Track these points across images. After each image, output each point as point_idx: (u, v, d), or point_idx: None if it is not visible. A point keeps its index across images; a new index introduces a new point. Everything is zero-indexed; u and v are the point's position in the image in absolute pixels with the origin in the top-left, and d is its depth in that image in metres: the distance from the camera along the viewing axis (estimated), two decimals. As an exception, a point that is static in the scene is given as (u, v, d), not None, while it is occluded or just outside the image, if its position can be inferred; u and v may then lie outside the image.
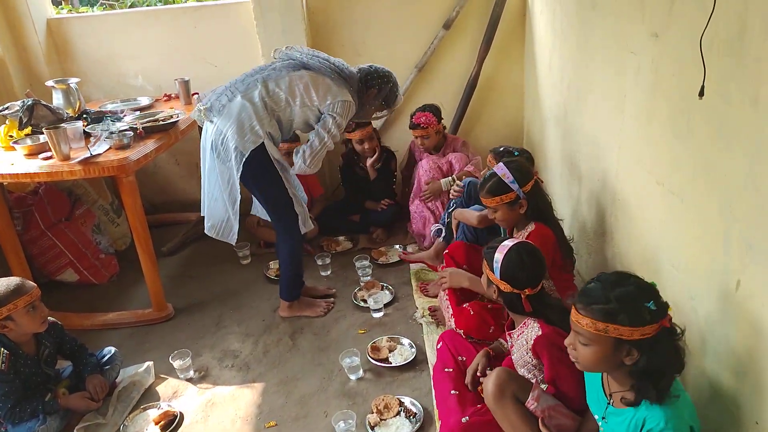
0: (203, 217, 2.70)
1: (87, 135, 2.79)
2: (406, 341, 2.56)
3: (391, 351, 2.51)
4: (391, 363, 2.45)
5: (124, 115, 3.11)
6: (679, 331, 1.42)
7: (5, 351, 2.14)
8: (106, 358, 2.46)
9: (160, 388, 2.47)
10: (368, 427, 2.10)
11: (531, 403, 1.70)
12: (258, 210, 2.84)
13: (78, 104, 3.13)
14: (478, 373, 2.02)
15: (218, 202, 2.56)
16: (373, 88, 2.64)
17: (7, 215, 2.78)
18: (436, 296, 2.76)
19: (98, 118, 3.02)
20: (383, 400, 2.21)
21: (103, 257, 3.35)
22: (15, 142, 2.74)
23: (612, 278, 1.46)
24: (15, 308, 2.09)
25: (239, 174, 2.43)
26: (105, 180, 3.57)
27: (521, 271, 1.83)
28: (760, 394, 1.46)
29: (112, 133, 2.69)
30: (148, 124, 2.87)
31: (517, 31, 3.71)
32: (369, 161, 3.49)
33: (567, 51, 2.83)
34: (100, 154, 2.57)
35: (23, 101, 2.88)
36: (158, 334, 2.84)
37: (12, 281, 2.15)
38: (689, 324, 1.75)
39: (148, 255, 2.80)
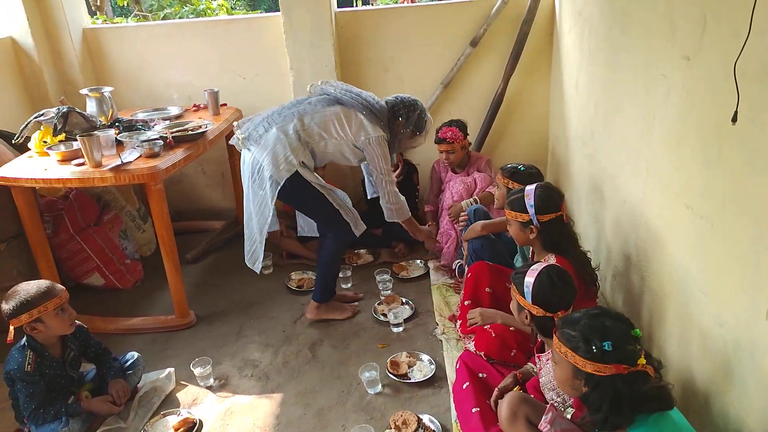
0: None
1: (119, 143, 2.85)
2: (425, 357, 2.55)
3: (410, 366, 2.51)
4: (410, 379, 2.44)
5: (155, 125, 3.18)
6: (655, 380, 1.47)
7: (32, 353, 2.19)
8: (129, 362, 2.49)
9: (181, 395, 2.49)
10: (386, 443, 2.10)
11: (544, 426, 1.69)
12: (305, 230, 3.04)
13: (110, 112, 3.21)
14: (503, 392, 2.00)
15: (249, 228, 2.69)
16: (401, 118, 2.75)
17: (38, 219, 2.84)
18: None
19: (130, 126, 3.09)
20: (401, 416, 2.21)
21: (128, 262, 3.41)
22: (49, 148, 2.81)
23: (594, 312, 1.57)
24: (45, 310, 2.14)
25: (273, 200, 2.55)
26: (133, 186, 3.64)
27: (553, 294, 1.82)
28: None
29: (143, 141, 2.75)
30: (177, 134, 2.93)
31: (544, 49, 3.71)
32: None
33: (595, 71, 2.82)
34: (131, 162, 2.63)
35: (58, 108, 2.95)
36: (180, 341, 2.87)
37: (42, 284, 2.20)
38: (716, 352, 1.72)
39: (173, 262, 2.84)
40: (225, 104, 3.67)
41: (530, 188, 2.25)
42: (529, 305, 1.85)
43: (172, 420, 2.31)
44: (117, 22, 5.03)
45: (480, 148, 3.85)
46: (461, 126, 3.34)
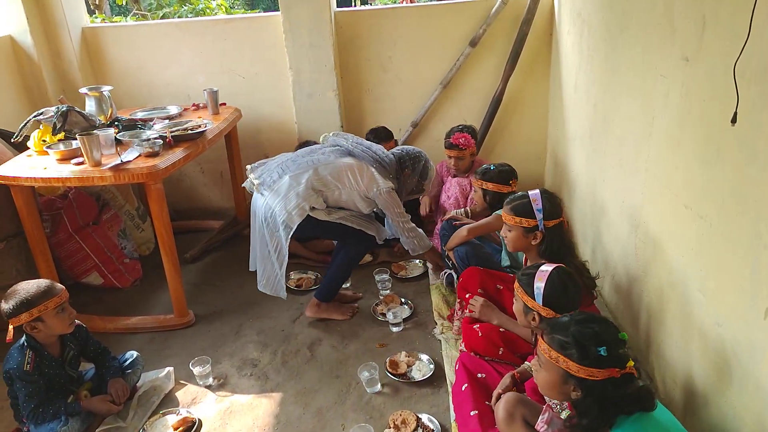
0: (247, 230, 2.99)
1: (118, 142, 2.85)
2: (424, 357, 2.55)
3: (409, 366, 2.51)
4: (409, 378, 2.45)
5: (154, 124, 3.17)
6: (639, 384, 1.50)
7: (31, 352, 2.18)
8: (128, 362, 2.49)
9: (180, 394, 2.49)
10: (385, 442, 2.10)
11: (541, 426, 1.69)
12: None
13: (110, 111, 3.20)
14: (501, 392, 2.00)
15: (268, 262, 2.75)
16: (407, 169, 2.93)
17: (36, 218, 2.83)
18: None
19: (129, 125, 3.09)
20: (401, 415, 2.21)
21: (127, 262, 3.41)
22: (48, 147, 2.80)
23: (581, 317, 1.57)
24: (45, 309, 2.13)
25: (287, 243, 2.63)
26: (132, 185, 3.64)
27: (564, 296, 1.84)
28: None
29: (142, 140, 2.75)
30: (176, 133, 2.93)
31: (543, 50, 3.72)
32: None
33: (594, 72, 2.83)
34: (130, 161, 2.63)
35: (58, 107, 2.95)
36: (179, 340, 2.87)
37: (42, 283, 2.20)
38: (715, 351, 1.73)
39: (172, 261, 2.84)
40: (224, 103, 3.67)
41: (535, 193, 2.24)
42: (539, 307, 1.85)
43: (172, 419, 2.31)
44: (116, 21, 5.03)
45: (479, 149, 3.85)
46: (473, 133, 3.36)
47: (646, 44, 2.16)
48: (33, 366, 2.17)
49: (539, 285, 1.85)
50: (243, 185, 2.88)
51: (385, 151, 2.90)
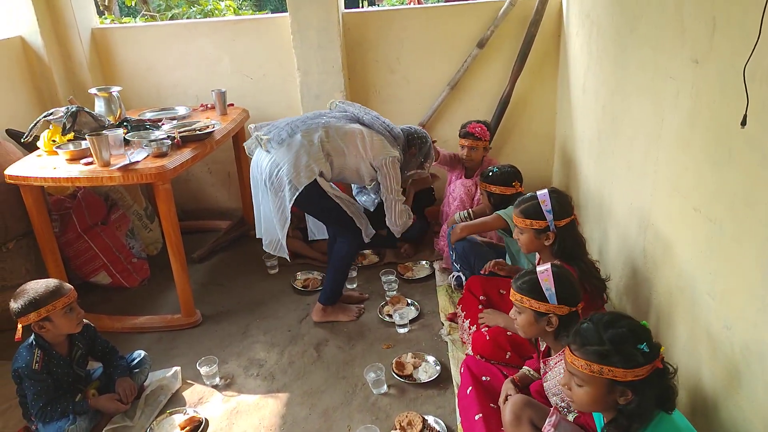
0: (254, 232, 2.98)
1: (127, 142, 2.86)
2: (431, 358, 2.55)
3: (415, 367, 2.51)
4: (415, 380, 2.44)
5: (163, 124, 3.19)
6: (672, 369, 1.46)
7: (39, 351, 2.20)
8: (135, 361, 2.50)
9: (187, 394, 2.50)
10: (391, 444, 2.10)
11: (548, 429, 1.68)
12: (315, 234, 3.10)
13: (119, 112, 3.22)
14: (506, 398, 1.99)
15: (271, 224, 2.71)
16: (414, 147, 2.93)
17: (46, 217, 2.86)
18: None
19: (138, 126, 3.10)
20: (407, 416, 2.21)
21: (135, 261, 3.42)
22: (58, 147, 2.82)
23: (605, 319, 1.49)
24: (53, 309, 2.15)
25: (291, 204, 2.57)
26: (140, 186, 3.66)
27: (573, 288, 1.82)
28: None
29: (151, 141, 2.76)
30: (185, 134, 2.94)
31: (551, 51, 3.71)
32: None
33: (602, 73, 2.82)
34: (138, 162, 2.64)
35: (67, 108, 2.97)
36: (186, 340, 2.88)
37: (50, 283, 2.21)
38: (724, 354, 1.72)
39: (180, 261, 2.85)
40: (232, 104, 3.68)
41: (542, 193, 2.22)
42: (554, 308, 1.80)
43: (179, 419, 2.32)
44: (125, 22, 5.06)
45: (488, 151, 3.84)
46: (489, 127, 3.36)
47: (656, 45, 2.15)
48: (41, 365, 2.19)
49: (548, 286, 1.81)
50: (246, 143, 2.80)
51: (393, 124, 2.86)
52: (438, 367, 2.49)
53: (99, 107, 3.20)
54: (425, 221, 3.67)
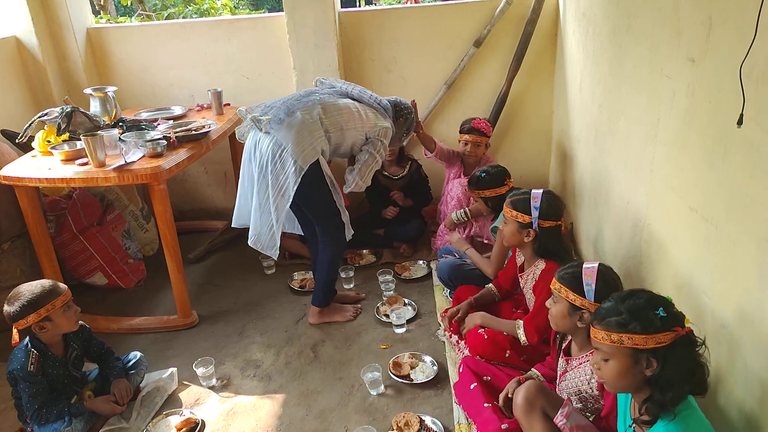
0: (231, 225, 2.89)
1: (122, 142, 2.85)
2: (428, 358, 2.55)
3: (412, 368, 2.50)
4: (412, 380, 2.44)
5: (158, 124, 3.18)
6: (699, 341, 1.44)
7: (35, 352, 2.19)
8: (131, 362, 2.50)
9: (183, 395, 2.50)
10: (388, 444, 2.09)
11: (560, 420, 1.68)
12: (293, 227, 2.96)
13: (114, 112, 3.21)
14: (510, 395, 1.97)
15: (264, 213, 2.61)
16: (401, 118, 2.92)
17: (41, 218, 2.84)
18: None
19: (133, 126, 3.09)
20: (404, 417, 2.20)
21: (131, 262, 3.41)
22: (53, 148, 2.81)
23: (624, 294, 1.52)
24: (53, 308, 2.14)
25: (296, 187, 2.49)
26: (136, 186, 3.64)
27: (616, 289, 1.80)
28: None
29: (146, 141, 2.75)
30: (181, 134, 2.93)
31: (547, 50, 3.71)
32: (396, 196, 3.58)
33: (599, 72, 2.81)
34: (134, 162, 2.63)
35: (62, 108, 2.96)
36: (182, 341, 2.87)
37: (46, 283, 2.20)
38: (721, 354, 1.72)
39: (176, 262, 2.84)
40: (228, 104, 3.67)
41: (537, 192, 2.26)
42: (590, 304, 1.78)
43: (175, 420, 2.31)
44: (121, 22, 5.04)
45: (488, 149, 3.84)
46: (490, 123, 3.35)
47: (652, 44, 2.14)
48: (37, 366, 2.18)
49: (590, 282, 1.79)
50: (240, 127, 2.71)
51: (378, 95, 2.86)
52: (435, 368, 2.49)
53: (94, 107, 3.19)
54: (422, 221, 3.67)
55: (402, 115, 2.91)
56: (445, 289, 3.07)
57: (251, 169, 2.63)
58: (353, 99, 2.74)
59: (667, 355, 1.41)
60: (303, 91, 2.77)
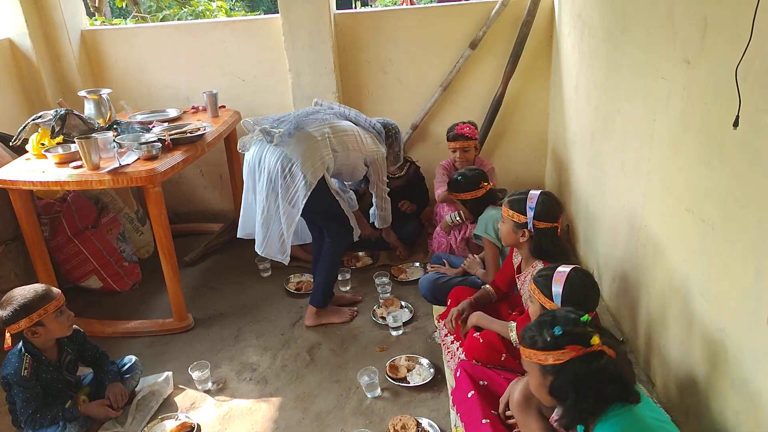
0: (236, 235, 2.99)
1: (117, 145, 2.83)
2: (424, 361, 2.54)
3: (409, 370, 2.49)
4: (409, 382, 2.43)
5: (153, 127, 3.16)
6: (611, 361, 1.48)
7: (28, 357, 2.17)
8: (126, 366, 2.48)
9: (179, 399, 2.48)
10: (385, 448, 2.08)
11: (556, 419, 1.67)
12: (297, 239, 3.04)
13: (109, 114, 3.19)
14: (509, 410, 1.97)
15: (275, 222, 2.65)
16: (390, 139, 3.02)
17: (35, 221, 2.82)
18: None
19: (128, 128, 3.08)
20: (400, 420, 2.20)
21: (126, 265, 3.39)
22: (47, 150, 2.79)
23: (544, 313, 1.64)
24: (45, 313, 2.13)
25: (305, 200, 2.54)
26: (131, 189, 3.63)
27: (584, 296, 1.82)
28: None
29: (141, 144, 2.74)
30: (176, 136, 2.91)
31: (543, 52, 3.71)
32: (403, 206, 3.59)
33: (594, 73, 2.82)
34: (128, 165, 2.62)
35: (56, 110, 2.94)
36: (178, 345, 2.85)
37: (39, 287, 2.19)
38: (717, 354, 1.72)
39: (171, 266, 2.83)
40: (224, 106, 3.66)
41: (535, 193, 2.26)
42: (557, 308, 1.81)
43: (170, 424, 2.30)
44: (115, 24, 5.02)
45: (479, 151, 3.84)
46: (474, 125, 3.35)
47: (647, 46, 2.15)
48: (30, 371, 2.16)
49: (557, 287, 1.82)
50: (241, 139, 2.69)
51: (370, 118, 2.96)
52: (432, 370, 2.48)
53: (89, 110, 3.17)
54: (419, 223, 3.66)
55: (391, 136, 3.01)
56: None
57: (255, 180, 2.67)
58: (351, 122, 2.83)
59: (562, 370, 1.48)
60: (308, 108, 2.84)
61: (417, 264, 3.40)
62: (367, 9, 5.32)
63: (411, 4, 7.29)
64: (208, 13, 6.02)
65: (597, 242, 2.88)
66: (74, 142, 2.72)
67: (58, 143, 2.86)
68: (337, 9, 3.78)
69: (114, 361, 2.47)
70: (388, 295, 3.08)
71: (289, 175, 2.54)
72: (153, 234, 2.96)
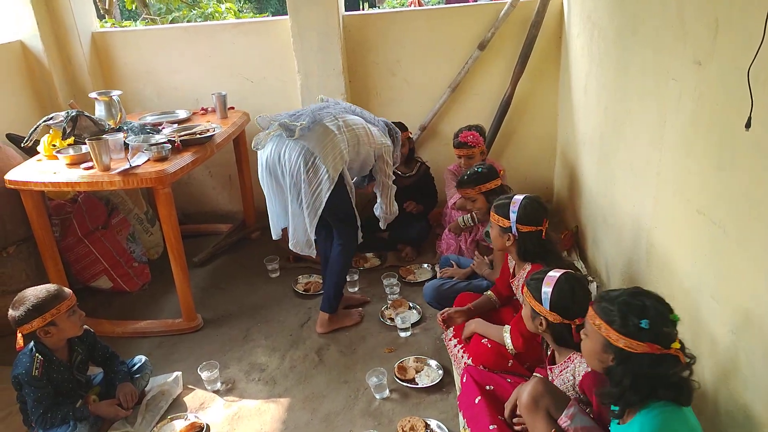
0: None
1: (127, 146, 2.85)
2: (433, 362, 2.54)
3: (417, 372, 2.49)
4: (417, 384, 2.43)
5: (163, 128, 3.18)
6: (678, 367, 1.45)
7: (40, 357, 2.19)
8: (136, 366, 2.49)
9: (188, 399, 2.49)
10: (394, 449, 2.08)
11: (564, 421, 1.67)
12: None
13: (119, 116, 3.22)
14: (518, 412, 1.96)
15: (299, 218, 2.65)
16: (391, 137, 2.96)
17: (46, 222, 2.85)
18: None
19: (138, 130, 3.10)
20: (409, 421, 2.20)
21: (136, 266, 3.41)
22: (58, 152, 2.81)
23: (632, 290, 1.55)
24: (58, 313, 2.14)
25: (328, 194, 2.54)
26: (141, 189, 3.65)
27: (572, 301, 1.81)
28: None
29: (151, 145, 2.76)
30: (185, 137, 2.93)
31: (552, 53, 3.70)
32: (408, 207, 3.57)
33: (604, 75, 2.81)
34: (139, 166, 2.64)
35: (67, 112, 2.96)
36: (187, 345, 2.87)
37: (50, 287, 2.20)
38: (729, 358, 1.70)
39: (181, 266, 2.84)
40: (233, 107, 3.67)
41: (518, 197, 2.28)
42: (546, 312, 1.83)
43: (180, 424, 2.31)
44: (125, 26, 5.06)
45: (488, 151, 3.83)
46: (480, 131, 3.34)
47: (658, 47, 2.14)
48: (42, 371, 2.18)
49: (546, 290, 1.83)
50: (257, 136, 2.66)
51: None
52: (440, 371, 2.48)
53: (99, 111, 3.20)
54: (427, 224, 3.66)
55: (392, 132, 3.00)
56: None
57: (279, 178, 2.63)
58: (358, 116, 2.82)
59: (630, 358, 1.46)
60: (315, 105, 2.81)
61: (425, 265, 3.40)
62: (376, 11, 5.33)
63: (419, 6, 7.29)
64: (217, 15, 6.04)
65: (606, 243, 2.87)
66: (85, 144, 2.74)
67: (69, 144, 2.88)
68: (345, 11, 3.78)
69: (124, 361, 2.49)
70: (397, 296, 3.09)
71: (312, 169, 2.51)
72: (162, 235, 2.98)
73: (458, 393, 2.29)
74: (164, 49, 3.91)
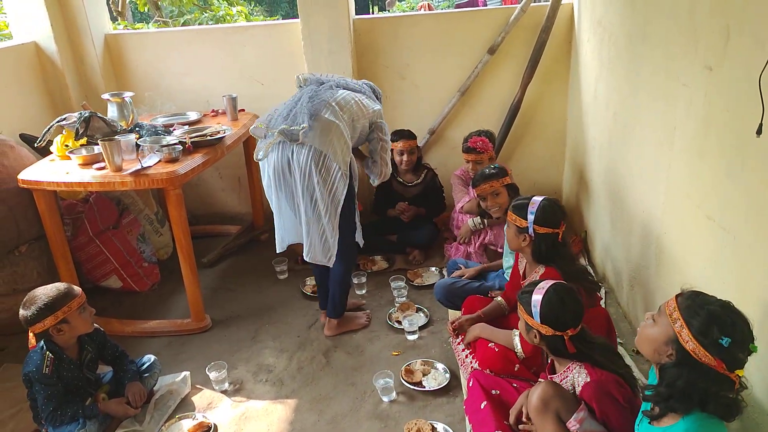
0: (265, 236, 3.00)
1: (138, 147, 2.88)
2: (440, 366, 2.54)
3: (425, 375, 2.49)
4: (424, 387, 2.43)
5: (174, 130, 3.21)
6: (736, 387, 1.41)
7: (50, 355, 2.21)
8: (145, 365, 2.51)
9: (196, 399, 2.51)
10: (400, 452, 2.08)
11: (573, 425, 1.67)
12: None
13: (131, 117, 3.24)
14: (524, 418, 1.93)
15: (314, 226, 2.54)
16: (377, 95, 2.92)
17: (58, 221, 2.88)
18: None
19: (150, 131, 3.12)
20: (415, 424, 2.20)
21: (146, 266, 3.44)
22: (71, 152, 2.84)
23: (726, 303, 1.46)
24: (69, 310, 2.17)
25: (345, 190, 2.50)
26: (151, 190, 3.68)
27: (562, 312, 1.80)
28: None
29: (162, 146, 2.78)
30: (196, 139, 2.95)
31: (562, 58, 3.70)
32: (402, 209, 3.57)
33: (614, 80, 2.80)
34: (150, 167, 2.66)
35: (80, 113, 2.99)
36: (195, 345, 2.88)
37: (60, 286, 2.23)
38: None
39: (190, 266, 2.86)
40: (243, 110, 3.70)
41: (537, 198, 2.27)
42: (537, 325, 1.82)
43: (187, 424, 2.32)
44: (138, 28, 5.11)
45: (497, 157, 3.83)
46: (490, 136, 3.34)
47: (668, 53, 2.14)
48: (52, 369, 2.20)
49: (536, 302, 1.82)
50: (259, 146, 2.55)
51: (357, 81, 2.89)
52: (447, 375, 2.48)
53: (111, 113, 3.22)
54: (435, 227, 3.66)
55: (376, 94, 2.91)
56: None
57: (290, 185, 2.52)
58: (343, 88, 2.70)
59: (690, 365, 1.41)
60: (304, 91, 2.66)
61: (433, 268, 3.40)
62: (386, 14, 5.34)
63: (429, 10, 7.31)
64: (228, 18, 6.09)
65: (615, 248, 2.86)
66: (98, 144, 2.77)
67: (82, 145, 2.91)
68: (355, 14, 3.80)
69: (133, 360, 2.51)
70: (404, 299, 3.09)
71: (324, 169, 2.43)
72: (172, 235, 3.00)
73: (465, 397, 2.29)
74: (176, 51, 3.94)
